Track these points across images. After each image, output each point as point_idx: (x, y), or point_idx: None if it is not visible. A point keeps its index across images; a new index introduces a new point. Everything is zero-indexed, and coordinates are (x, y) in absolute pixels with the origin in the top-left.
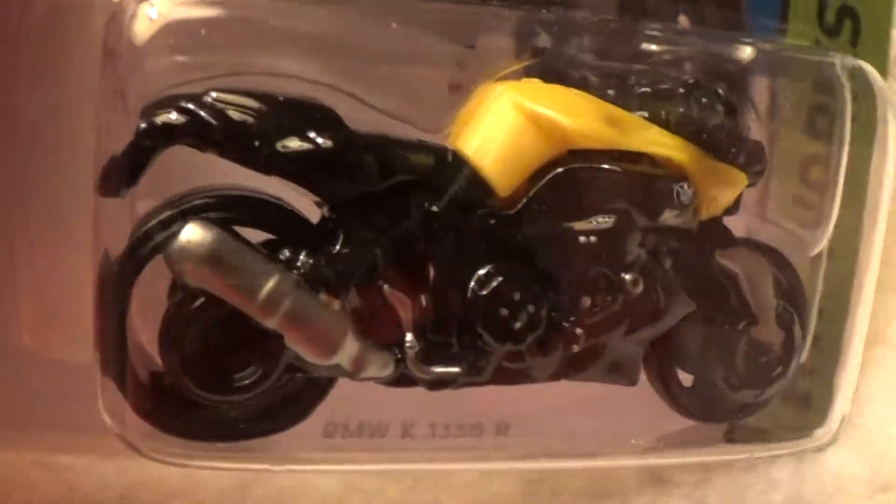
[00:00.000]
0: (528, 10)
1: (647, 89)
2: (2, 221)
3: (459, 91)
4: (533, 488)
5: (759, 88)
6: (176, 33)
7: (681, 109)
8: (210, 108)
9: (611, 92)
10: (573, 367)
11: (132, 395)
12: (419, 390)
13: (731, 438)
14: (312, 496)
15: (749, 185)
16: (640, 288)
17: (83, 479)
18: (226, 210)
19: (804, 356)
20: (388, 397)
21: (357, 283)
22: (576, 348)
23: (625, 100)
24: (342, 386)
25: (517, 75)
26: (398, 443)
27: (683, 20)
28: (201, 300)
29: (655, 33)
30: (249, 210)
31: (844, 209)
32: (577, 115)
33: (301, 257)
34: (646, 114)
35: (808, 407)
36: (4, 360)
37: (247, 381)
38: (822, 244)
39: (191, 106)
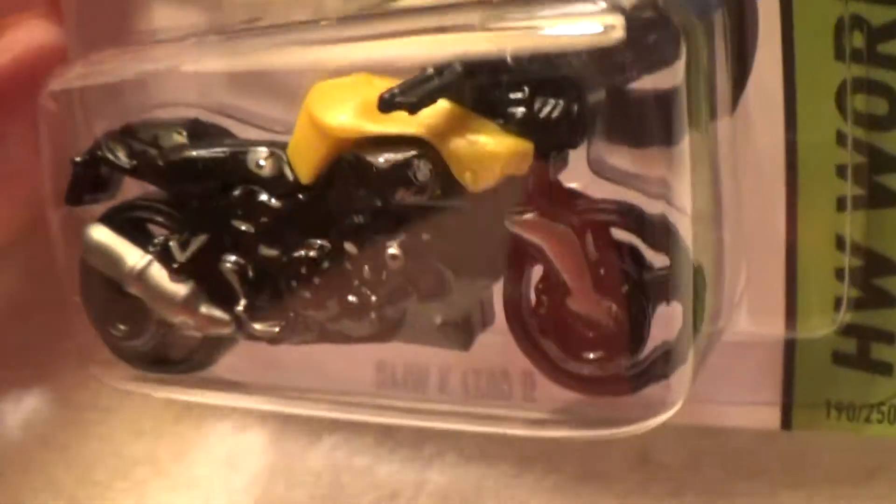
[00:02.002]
0: None
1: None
2: None
3: None
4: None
5: None
6: None
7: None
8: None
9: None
10: (392, 332)
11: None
12: None
13: None
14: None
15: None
16: (399, 262)
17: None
18: None
19: None
20: None
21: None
22: (373, 315)
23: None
24: None
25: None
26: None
27: None
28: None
29: None
30: None
31: None
32: (337, 110)
33: (160, 240)
34: None
35: None
36: None
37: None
38: None
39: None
